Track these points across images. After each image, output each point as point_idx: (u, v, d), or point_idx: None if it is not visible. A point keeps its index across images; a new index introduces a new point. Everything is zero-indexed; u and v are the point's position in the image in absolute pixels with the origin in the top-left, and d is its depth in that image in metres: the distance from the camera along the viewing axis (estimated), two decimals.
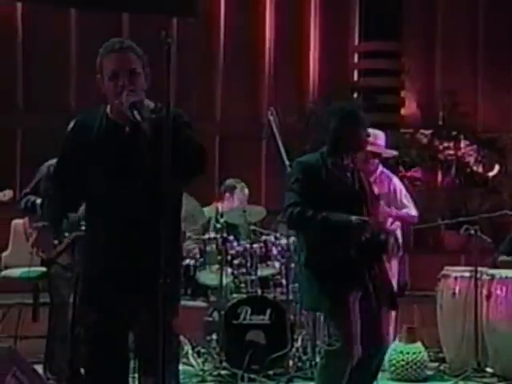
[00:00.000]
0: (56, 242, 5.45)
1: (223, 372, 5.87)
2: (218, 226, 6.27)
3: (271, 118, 6.28)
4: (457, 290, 6.17)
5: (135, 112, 3.18)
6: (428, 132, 10.89)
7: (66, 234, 5.40)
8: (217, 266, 6.11)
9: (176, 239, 3.31)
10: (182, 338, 5.81)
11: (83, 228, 5.09)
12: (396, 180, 6.33)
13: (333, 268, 4.27)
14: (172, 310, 3.19)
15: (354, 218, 4.25)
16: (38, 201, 5.45)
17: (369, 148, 5.07)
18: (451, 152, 10.85)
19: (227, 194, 6.94)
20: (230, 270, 6.18)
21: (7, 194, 5.37)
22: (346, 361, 4.25)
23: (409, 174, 10.33)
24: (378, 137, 5.99)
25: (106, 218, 3.32)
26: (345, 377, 4.26)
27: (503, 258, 6.50)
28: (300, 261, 4.53)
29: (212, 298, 6.42)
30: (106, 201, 3.31)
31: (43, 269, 5.67)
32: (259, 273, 6.19)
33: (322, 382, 4.39)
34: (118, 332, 3.32)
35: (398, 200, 6.13)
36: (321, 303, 4.38)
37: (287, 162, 5.47)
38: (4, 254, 6.60)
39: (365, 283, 4.30)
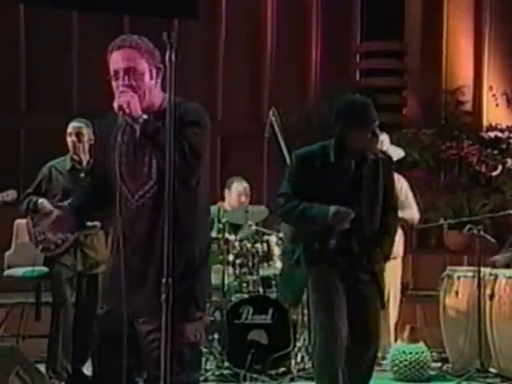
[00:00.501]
0: (59, 241, 5.47)
1: (225, 372, 5.86)
2: (220, 225, 6.27)
3: (273, 117, 6.28)
4: (460, 290, 6.16)
5: (120, 113, 3.15)
6: (430, 132, 10.87)
7: (69, 235, 5.41)
8: (219, 266, 6.11)
9: (188, 240, 3.22)
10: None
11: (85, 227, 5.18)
12: (403, 181, 6.35)
13: (317, 257, 4.20)
14: (184, 314, 3.12)
15: (331, 210, 4.11)
16: (40, 200, 5.46)
17: None
18: (454, 152, 10.82)
19: (226, 190, 6.90)
20: (231, 270, 6.18)
21: (11, 194, 5.37)
22: (332, 361, 4.12)
23: (411, 173, 10.32)
24: (383, 143, 6.02)
25: (125, 217, 3.27)
26: (339, 377, 4.14)
27: (495, 257, 6.47)
28: (292, 259, 4.40)
29: (214, 298, 6.41)
30: (124, 200, 3.28)
31: (46, 268, 5.67)
32: (261, 272, 6.19)
33: None
34: (127, 332, 3.26)
35: (403, 200, 6.13)
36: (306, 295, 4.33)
37: (289, 162, 5.45)
38: (7, 253, 6.60)
39: (352, 274, 4.22)
